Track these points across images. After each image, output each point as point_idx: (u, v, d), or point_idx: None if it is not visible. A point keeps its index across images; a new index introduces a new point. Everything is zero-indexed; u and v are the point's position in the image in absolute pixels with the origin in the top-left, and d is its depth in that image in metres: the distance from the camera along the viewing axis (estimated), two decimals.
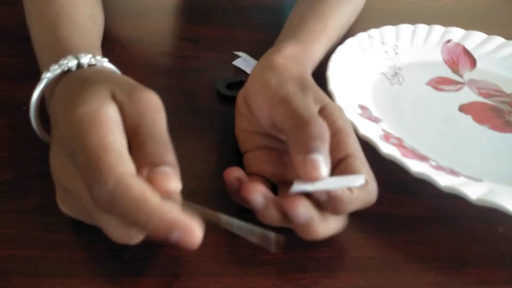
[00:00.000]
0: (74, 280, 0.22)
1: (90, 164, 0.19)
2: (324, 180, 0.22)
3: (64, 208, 0.23)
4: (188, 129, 0.32)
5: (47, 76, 0.25)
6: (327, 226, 0.23)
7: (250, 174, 0.26)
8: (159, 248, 0.24)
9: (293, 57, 0.29)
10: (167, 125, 0.22)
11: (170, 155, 0.20)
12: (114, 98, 0.22)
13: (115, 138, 0.20)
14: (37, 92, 0.25)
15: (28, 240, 0.23)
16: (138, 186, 0.18)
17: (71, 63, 0.24)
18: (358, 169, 0.23)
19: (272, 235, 0.21)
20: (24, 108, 0.30)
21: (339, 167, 0.24)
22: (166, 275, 0.23)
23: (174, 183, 0.20)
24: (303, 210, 0.22)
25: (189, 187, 0.27)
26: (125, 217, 0.19)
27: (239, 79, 0.36)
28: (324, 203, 0.22)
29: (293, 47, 0.30)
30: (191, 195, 0.27)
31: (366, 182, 0.23)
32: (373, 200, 0.24)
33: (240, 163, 0.28)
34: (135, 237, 0.20)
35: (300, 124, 0.23)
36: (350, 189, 0.22)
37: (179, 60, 0.39)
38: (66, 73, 0.25)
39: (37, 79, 0.28)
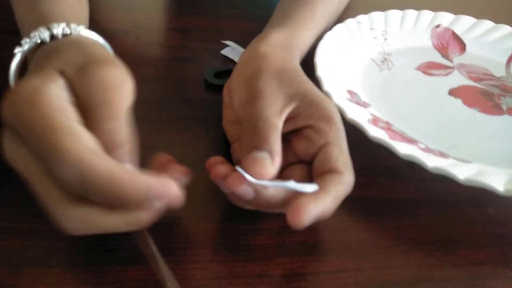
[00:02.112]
0: (59, 269, 0.21)
1: (44, 150, 0.17)
2: (278, 182, 0.22)
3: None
4: (176, 118, 0.31)
5: (18, 51, 0.23)
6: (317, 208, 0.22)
7: (239, 163, 0.26)
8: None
9: (278, 45, 0.29)
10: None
11: (121, 133, 0.19)
12: (63, 73, 0.20)
13: (60, 115, 0.18)
14: (12, 68, 0.23)
15: (12, 231, 0.23)
16: (101, 163, 0.17)
17: (43, 34, 0.23)
18: (336, 158, 0.23)
19: None
20: None
21: (317, 156, 0.23)
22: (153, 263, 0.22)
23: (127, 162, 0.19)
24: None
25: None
26: (102, 196, 0.18)
27: (227, 68, 0.36)
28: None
29: (279, 34, 0.30)
30: None
31: (341, 173, 0.23)
32: (351, 189, 0.23)
33: (228, 152, 0.27)
34: (87, 229, 0.19)
35: (248, 127, 0.23)
36: (326, 191, 0.22)
37: (167, 50, 0.38)
38: (40, 46, 0.23)
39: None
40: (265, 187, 0.21)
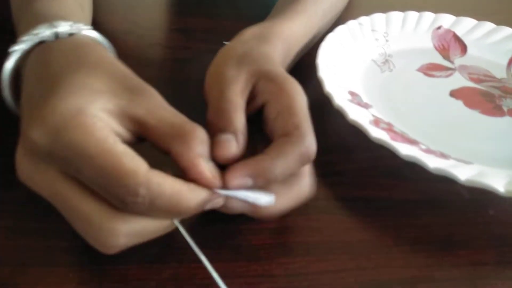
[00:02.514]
0: (62, 268, 0.22)
1: (107, 176, 0.17)
2: (234, 191, 0.21)
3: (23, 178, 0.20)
4: None
5: (16, 49, 0.21)
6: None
7: None
8: None
9: (249, 37, 0.29)
10: None
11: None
12: (104, 92, 0.19)
13: (114, 139, 0.18)
14: (6, 69, 0.22)
15: (16, 231, 0.23)
16: (167, 181, 0.18)
17: (46, 32, 0.21)
18: (285, 122, 0.22)
19: None
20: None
21: (272, 129, 0.22)
22: (155, 262, 0.22)
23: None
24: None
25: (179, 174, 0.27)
26: (165, 213, 0.19)
27: None
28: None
29: (255, 28, 0.30)
30: None
31: (291, 134, 0.21)
32: (308, 194, 0.23)
33: None
34: (131, 242, 0.20)
35: (210, 111, 0.23)
36: (265, 154, 0.21)
37: (169, 51, 0.39)
38: (38, 46, 0.21)
39: None
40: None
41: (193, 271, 0.22)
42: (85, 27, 0.23)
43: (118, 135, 0.19)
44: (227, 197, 0.21)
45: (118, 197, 0.18)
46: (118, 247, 0.19)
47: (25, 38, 0.21)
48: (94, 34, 0.23)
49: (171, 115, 0.20)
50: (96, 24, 0.42)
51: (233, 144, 0.21)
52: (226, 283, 0.22)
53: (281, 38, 0.30)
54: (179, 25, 0.42)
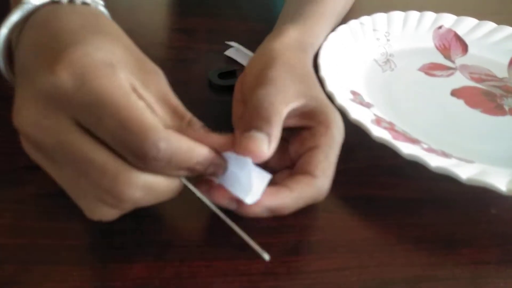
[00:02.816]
0: (65, 267, 0.22)
1: (131, 129, 0.17)
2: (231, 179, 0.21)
3: (28, 149, 0.20)
4: None
5: (22, 5, 0.20)
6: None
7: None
8: (150, 234, 0.24)
9: (293, 42, 0.29)
10: None
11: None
12: (124, 64, 0.19)
13: (136, 96, 0.19)
14: (14, 17, 0.21)
15: (19, 229, 0.23)
16: (183, 138, 0.19)
17: None
18: (317, 162, 0.23)
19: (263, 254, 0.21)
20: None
21: (302, 156, 0.23)
22: (158, 260, 0.23)
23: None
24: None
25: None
26: (177, 166, 0.19)
27: (231, 69, 0.36)
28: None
29: (294, 30, 0.30)
30: None
31: (316, 177, 0.22)
32: (322, 196, 0.23)
33: None
34: (147, 198, 0.20)
35: (252, 107, 0.23)
36: (287, 185, 0.22)
37: (171, 51, 0.39)
38: (49, 5, 0.21)
39: None
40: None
41: (196, 270, 0.22)
42: (101, 1, 0.23)
43: None
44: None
45: (140, 151, 0.18)
46: (132, 201, 0.19)
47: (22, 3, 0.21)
48: (104, 10, 0.23)
49: (175, 105, 0.20)
50: None
51: (265, 145, 0.21)
52: (229, 281, 0.22)
53: (313, 47, 0.31)
54: (181, 25, 0.42)
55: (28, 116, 0.18)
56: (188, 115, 0.21)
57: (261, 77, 0.25)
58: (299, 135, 0.24)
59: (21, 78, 0.20)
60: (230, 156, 0.21)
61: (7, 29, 0.21)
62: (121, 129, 0.18)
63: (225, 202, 0.22)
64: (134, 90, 0.19)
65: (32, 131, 0.19)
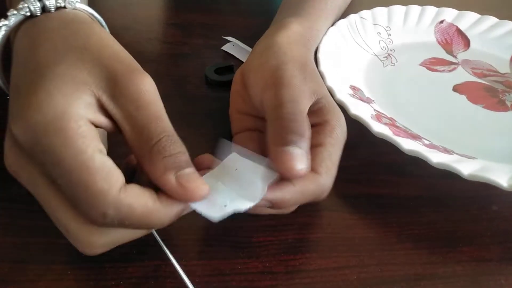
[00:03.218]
0: (60, 266, 0.21)
1: (79, 192, 0.17)
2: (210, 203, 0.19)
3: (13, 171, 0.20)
4: (177, 114, 0.30)
5: (3, 24, 0.20)
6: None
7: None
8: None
9: (298, 36, 0.29)
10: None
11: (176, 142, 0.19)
12: (89, 87, 0.18)
13: (93, 149, 0.17)
14: None
15: (14, 228, 0.23)
16: (138, 201, 0.18)
17: (33, 6, 0.20)
18: (321, 161, 0.22)
19: None
20: (8, 97, 0.30)
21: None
22: (154, 259, 0.22)
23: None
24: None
25: None
26: (137, 227, 0.19)
27: (228, 64, 0.35)
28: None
29: (297, 25, 0.30)
30: None
31: (319, 174, 0.22)
32: (324, 193, 0.23)
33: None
34: (106, 249, 0.20)
35: (283, 116, 0.22)
36: (291, 182, 0.21)
37: (167, 46, 0.38)
38: (28, 20, 0.20)
39: None
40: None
41: (193, 269, 0.22)
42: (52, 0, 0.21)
43: (101, 125, 0.19)
44: None
45: (89, 217, 0.18)
46: (96, 254, 0.19)
47: (10, 13, 0.20)
48: (83, 7, 0.22)
49: (147, 122, 0.18)
50: None
51: (303, 161, 0.21)
52: (226, 280, 0.22)
53: (315, 43, 0.31)
54: (177, 20, 0.41)
55: (10, 163, 0.19)
56: (159, 136, 0.18)
57: (278, 76, 0.24)
58: None
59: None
60: (240, 152, 0.20)
61: None
62: (72, 191, 0.17)
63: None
64: (101, 107, 0.19)
65: (16, 177, 0.19)
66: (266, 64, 0.25)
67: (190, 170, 0.19)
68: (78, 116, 0.17)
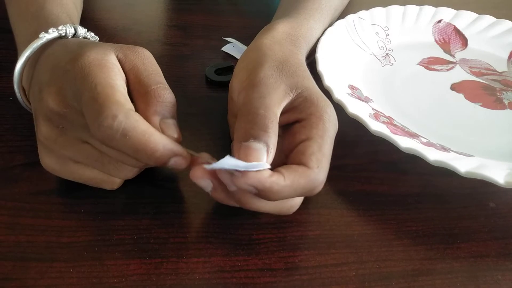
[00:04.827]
0: (62, 264, 0.22)
1: (99, 100, 0.20)
2: (229, 161, 0.20)
3: (47, 167, 0.24)
4: (178, 115, 0.31)
5: (44, 36, 0.25)
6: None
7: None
8: (147, 230, 0.24)
9: (284, 35, 0.29)
10: None
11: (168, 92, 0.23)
12: (112, 47, 0.23)
13: (120, 82, 0.22)
14: (31, 48, 0.25)
15: (16, 226, 0.23)
16: (143, 121, 0.21)
17: (69, 30, 0.26)
18: (310, 154, 0.22)
19: None
20: (11, 98, 0.30)
21: (295, 149, 0.23)
22: (155, 256, 0.22)
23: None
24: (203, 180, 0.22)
25: (179, 171, 0.27)
26: (133, 148, 0.21)
27: (228, 65, 0.36)
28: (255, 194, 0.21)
29: (286, 25, 0.30)
30: (180, 178, 0.27)
31: (310, 168, 0.21)
32: (317, 188, 0.22)
33: (228, 148, 0.27)
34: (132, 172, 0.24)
35: (248, 111, 0.22)
36: (281, 173, 0.21)
37: (167, 47, 0.38)
38: (56, 40, 0.26)
39: None
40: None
41: (193, 266, 0.22)
42: (83, 30, 0.27)
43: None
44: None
45: (99, 118, 0.20)
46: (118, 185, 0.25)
47: (50, 30, 0.26)
48: (91, 35, 0.28)
49: (149, 73, 0.23)
50: (95, 21, 0.42)
51: (263, 156, 0.21)
52: (226, 277, 0.22)
53: (306, 40, 0.31)
54: (177, 22, 0.42)
55: (46, 138, 0.23)
56: (157, 85, 0.23)
57: (251, 77, 0.25)
58: (291, 129, 0.24)
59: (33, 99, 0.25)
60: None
61: (17, 77, 0.26)
62: (93, 101, 0.21)
63: (202, 183, 0.22)
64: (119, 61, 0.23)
65: (51, 145, 0.23)
66: (244, 69, 0.26)
67: (172, 121, 0.23)
68: (113, 61, 0.23)
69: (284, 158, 0.24)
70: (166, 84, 0.23)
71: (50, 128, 0.23)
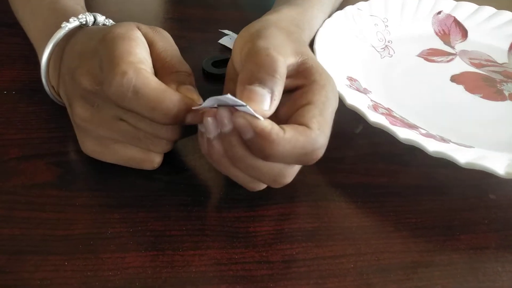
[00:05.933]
0: (58, 257, 0.21)
1: (114, 61, 0.21)
2: (230, 97, 0.19)
3: (88, 150, 0.25)
4: None
5: (66, 25, 0.26)
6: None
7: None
8: (142, 223, 0.23)
9: (289, 17, 0.29)
10: None
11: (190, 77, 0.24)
12: (137, 25, 0.24)
13: (140, 51, 0.22)
14: (56, 37, 0.25)
15: (11, 219, 0.23)
16: (155, 78, 0.21)
17: (89, 18, 0.27)
18: (311, 117, 0.20)
19: None
20: (5, 92, 0.30)
21: (295, 113, 0.21)
22: (151, 249, 0.22)
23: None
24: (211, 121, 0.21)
25: (175, 163, 0.27)
26: (148, 107, 0.21)
27: (225, 57, 0.35)
28: (250, 143, 0.20)
29: (290, 9, 0.30)
30: (178, 172, 0.27)
31: (310, 128, 0.20)
32: (316, 152, 0.21)
33: None
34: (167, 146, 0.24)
35: (255, 56, 0.21)
36: (281, 127, 0.19)
37: None
38: (77, 30, 0.26)
39: (20, 64, 0.27)
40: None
41: (189, 258, 0.22)
42: (102, 18, 0.28)
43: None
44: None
45: (109, 76, 0.20)
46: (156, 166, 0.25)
47: (71, 19, 0.26)
48: (110, 22, 0.29)
49: (167, 47, 0.24)
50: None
51: (267, 102, 0.20)
52: (223, 270, 0.22)
53: (310, 27, 0.31)
54: (174, 14, 0.41)
55: (83, 119, 0.24)
56: (173, 58, 0.24)
57: (258, 33, 0.23)
58: (291, 95, 0.23)
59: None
60: (224, 99, 0.19)
61: (44, 66, 0.26)
62: (108, 59, 0.21)
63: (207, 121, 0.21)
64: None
65: (88, 125, 0.24)
66: (247, 30, 0.25)
67: (190, 87, 0.23)
68: (138, 34, 0.23)
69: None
70: (182, 59, 0.24)
71: (85, 109, 0.23)
